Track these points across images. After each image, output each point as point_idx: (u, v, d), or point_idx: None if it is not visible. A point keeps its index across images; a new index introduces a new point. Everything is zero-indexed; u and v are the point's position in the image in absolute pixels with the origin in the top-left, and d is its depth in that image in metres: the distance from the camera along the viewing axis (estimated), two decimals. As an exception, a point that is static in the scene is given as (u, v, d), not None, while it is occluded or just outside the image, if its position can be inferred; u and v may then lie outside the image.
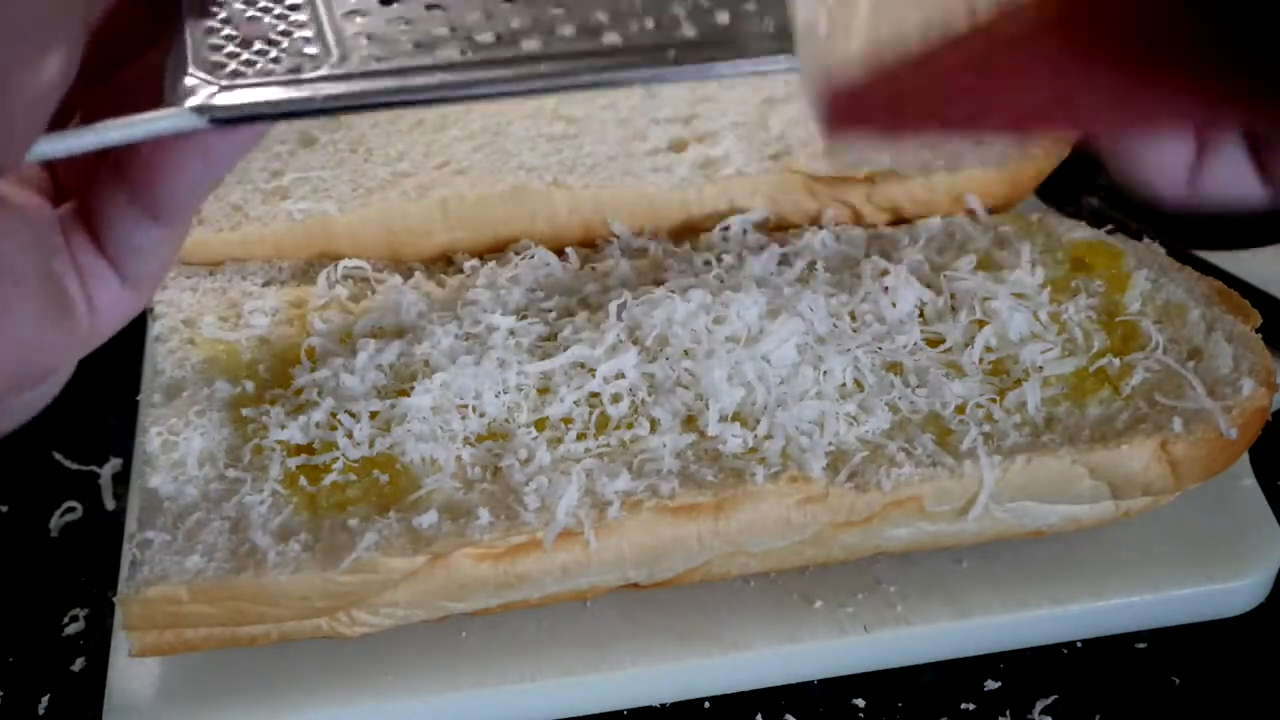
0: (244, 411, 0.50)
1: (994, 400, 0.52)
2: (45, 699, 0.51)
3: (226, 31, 0.34)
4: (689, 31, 0.34)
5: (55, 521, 0.57)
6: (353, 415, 0.50)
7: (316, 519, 0.46)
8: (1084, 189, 0.81)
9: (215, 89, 0.33)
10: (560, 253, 0.58)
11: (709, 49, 0.34)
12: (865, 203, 0.62)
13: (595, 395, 0.51)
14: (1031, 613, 0.52)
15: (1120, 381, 0.52)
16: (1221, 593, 0.54)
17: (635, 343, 0.53)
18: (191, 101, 0.32)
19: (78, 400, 0.65)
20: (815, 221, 0.61)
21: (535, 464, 0.48)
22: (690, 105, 0.66)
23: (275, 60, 0.34)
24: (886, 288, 0.57)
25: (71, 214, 0.34)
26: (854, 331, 0.54)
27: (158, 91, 0.32)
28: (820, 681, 0.52)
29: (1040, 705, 0.51)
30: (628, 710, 0.51)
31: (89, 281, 0.35)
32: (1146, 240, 0.60)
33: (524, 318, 0.55)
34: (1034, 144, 0.61)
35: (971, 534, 0.51)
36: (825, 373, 0.52)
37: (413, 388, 0.51)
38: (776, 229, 0.61)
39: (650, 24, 0.34)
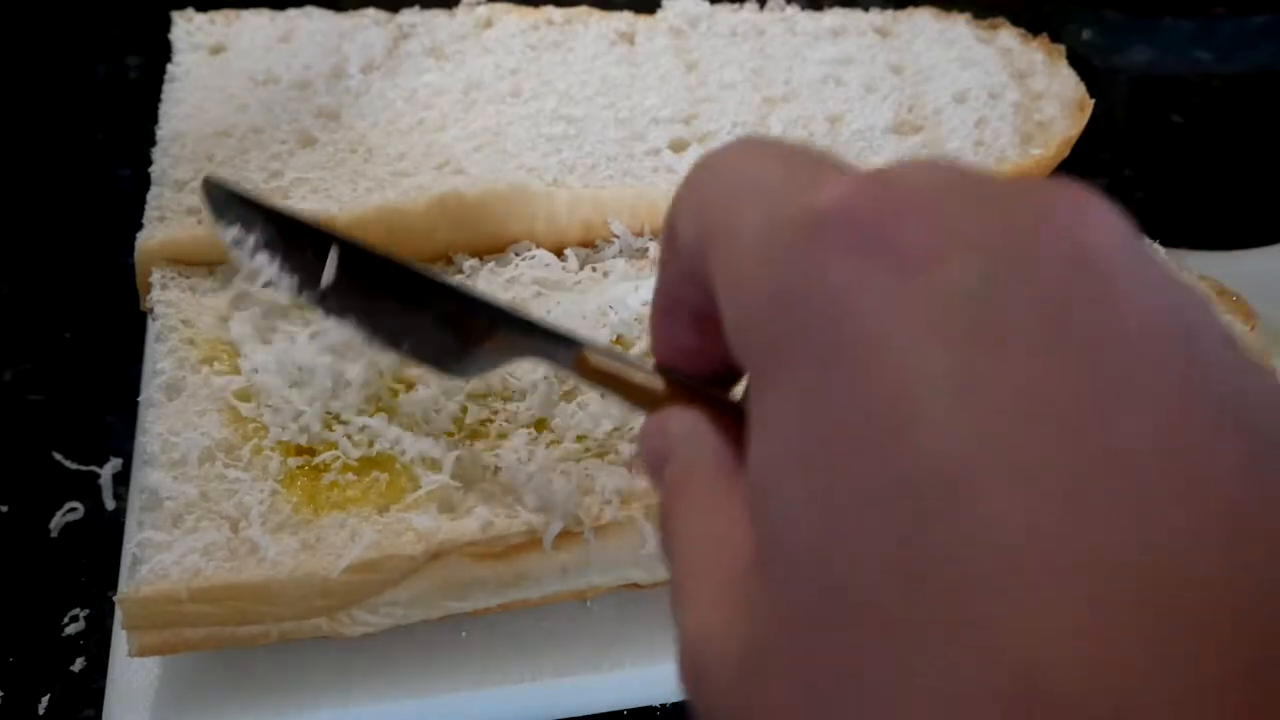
0: (244, 411, 0.50)
1: (994, 400, 0.52)
2: (45, 699, 0.51)
3: None
4: None
5: (55, 521, 0.57)
6: (351, 418, 0.50)
7: (316, 519, 0.46)
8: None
9: None
10: (560, 253, 0.58)
11: None
12: (865, 203, 0.62)
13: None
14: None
15: (1120, 381, 0.52)
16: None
17: (632, 345, 0.53)
18: None
19: (78, 400, 0.65)
20: (815, 221, 0.61)
21: (535, 464, 0.48)
22: (690, 105, 0.66)
23: None
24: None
25: None
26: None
27: None
28: (820, 681, 0.52)
29: (1040, 705, 0.51)
30: (628, 710, 0.51)
31: None
32: (1146, 240, 0.60)
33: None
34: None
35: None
36: None
37: (413, 388, 0.51)
38: (776, 229, 0.61)
39: None
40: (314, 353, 0.51)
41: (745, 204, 0.26)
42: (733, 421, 0.30)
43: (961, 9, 0.76)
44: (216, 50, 0.70)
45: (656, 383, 0.34)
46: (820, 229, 0.23)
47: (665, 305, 0.32)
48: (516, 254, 0.58)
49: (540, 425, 0.50)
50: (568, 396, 0.51)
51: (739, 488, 0.28)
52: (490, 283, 0.56)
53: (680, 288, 0.31)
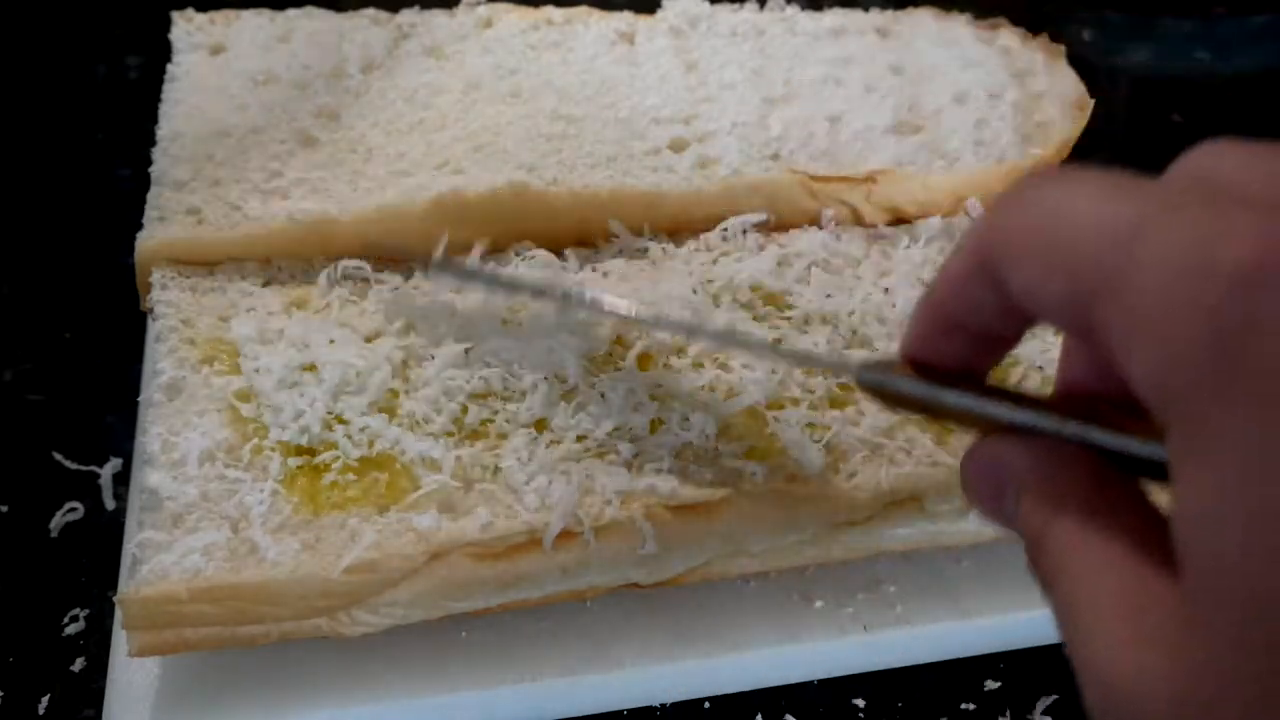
0: (244, 411, 0.50)
1: (994, 400, 0.52)
2: (45, 699, 0.51)
3: None
4: None
5: (55, 521, 0.57)
6: (352, 418, 0.50)
7: (316, 519, 0.46)
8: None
9: None
10: (560, 253, 0.58)
11: None
12: (865, 203, 0.62)
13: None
14: (1031, 613, 0.52)
15: (1120, 381, 0.52)
16: (1221, 593, 0.54)
17: (632, 345, 0.53)
18: None
19: (78, 400, 0.65)
20: (815, 221, 0.62)
21: (535, 464, 0.48)
22: (690, 105, 0.66)
23: None
24: (887, 288, 0.57)
25: None
26: (852, 332, 0.55)
27: None
28: (820, 681, 0.52)
29: (1040, 705, 0.51)
30: (628, 710, 0.51)
31: None
32: None
33: (524, 318, 0.55)
34: None
35: (971, 534, 0.51)
36: (825, 373, 0.52)
37: (413, 388, 0.51)
38: (776, 229, 0.61)
39: None
40: (324, 351, 0.51)
41: (1131, 250, 0.26)
42: (1063, 449, 0.31)
43: (961, 9, 0.76)
44: (216, 50, 0.70)
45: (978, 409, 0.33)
46: (1263, 279, 0.24)
47: (953, 317, 0.33)
48: (516, 254, 0.58)
49: (540, 425, 0.50)
50: (568, 397, 0.51)
51: (1123, 515, 0.28)
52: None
53: (987, 314, 0.32)
